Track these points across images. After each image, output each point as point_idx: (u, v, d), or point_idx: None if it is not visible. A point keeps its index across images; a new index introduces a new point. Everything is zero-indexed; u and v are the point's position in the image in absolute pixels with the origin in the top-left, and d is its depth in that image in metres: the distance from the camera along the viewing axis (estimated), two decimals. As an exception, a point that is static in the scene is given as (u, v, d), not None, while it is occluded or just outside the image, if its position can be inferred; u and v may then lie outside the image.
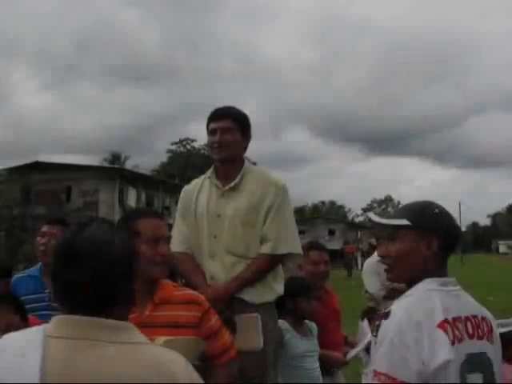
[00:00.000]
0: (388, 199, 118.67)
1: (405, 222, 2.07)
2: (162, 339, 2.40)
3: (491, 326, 2.05)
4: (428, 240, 2.04)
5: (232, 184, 3.39)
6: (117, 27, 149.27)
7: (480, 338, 1.97)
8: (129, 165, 49.24)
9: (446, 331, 1.87)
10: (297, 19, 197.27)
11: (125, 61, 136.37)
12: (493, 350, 2.01)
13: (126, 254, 1.57)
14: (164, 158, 62.07)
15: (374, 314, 3.36)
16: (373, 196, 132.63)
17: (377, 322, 1.96)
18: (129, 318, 2.40)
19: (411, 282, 2.05)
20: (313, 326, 4.02)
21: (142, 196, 35.36)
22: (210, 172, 3.52)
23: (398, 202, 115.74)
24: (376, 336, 1.93)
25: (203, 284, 3.27)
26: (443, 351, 1.83)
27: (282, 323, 3.79)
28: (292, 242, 3.39)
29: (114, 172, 34.81)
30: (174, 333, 2.49)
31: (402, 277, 2.12)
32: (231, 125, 3.39)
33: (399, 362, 1.80)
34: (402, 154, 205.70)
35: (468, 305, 2.05)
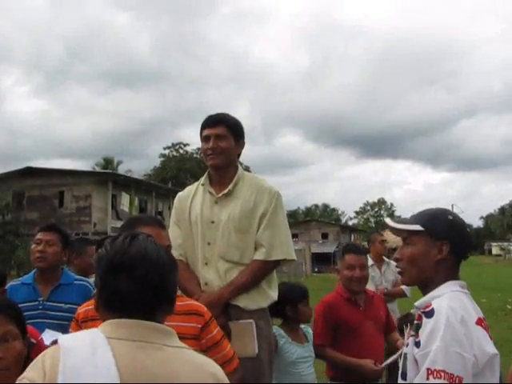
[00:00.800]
0: (381, 202, 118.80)
1: (418, 227, 2.16)
2: None
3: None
4: (439, 245, 2.11)
5: (226, 191, 3.40)
6: (108, 32, 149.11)
7: (491, 337, 2.03)
8: (122, 170, 49.13)
9: (484, 327, 1.96)
10: (288, 23, 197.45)
11: (117, 66, 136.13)
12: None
13: (170, 266, 1.68)
14: (157, 162, 62.03)
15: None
16: (366, 199, 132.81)
17: (416, 322, 1.98)
18: None
19: (423, 286, 2.14)
20: (308, 331, 4.03)
21: (135, 201, 35.28)
22: (203, 179, 3.53)
23: (391, 205, 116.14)
24: (414, 335, 1.95)
25: (197, 291, 3.28)
26: (489, 345, 1.91)
27: (277, 329, 3.82)
28: (286, 248, 3.40)
29: (107, 177, 34.69)
30: None
31: (414, 279, 2.20)
32: (225, 131, 3.40)
33: (455, 358, 1.82)
34: (394, 157, 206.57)
35: (477, 307, 2.11)
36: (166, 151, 61.10)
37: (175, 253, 3.41)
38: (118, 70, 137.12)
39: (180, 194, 3.67)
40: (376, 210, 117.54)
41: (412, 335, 1.97)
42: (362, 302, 3.99)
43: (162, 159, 60.81)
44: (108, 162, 51.44)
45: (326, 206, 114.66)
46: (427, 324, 1.90)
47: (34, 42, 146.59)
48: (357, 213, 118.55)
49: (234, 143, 3.45)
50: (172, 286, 1.69)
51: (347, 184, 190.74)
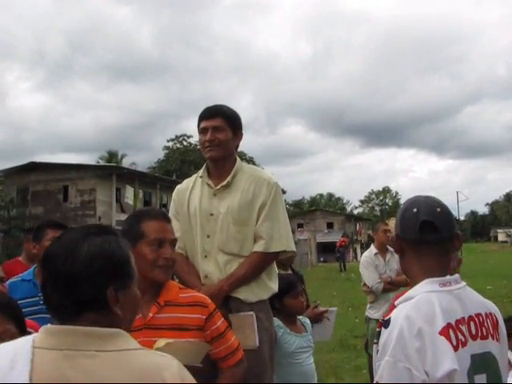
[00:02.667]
0: (386, 190, 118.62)
1: None
2: (162, 342, 2.41)
3: (497, 321, 1.99)
4: (396, 239, 2.08)
5: (224, 183, 3.38)
6: (110, 25, 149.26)
7: (484, 337, 1.90)
8: (126, 163, 49.07)
9: (448, 338, 1.79)
10: (290, 13, 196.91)
11: (119, 59, 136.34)
12: (498, 347, 1.95)
13: (94, 257, 1.51)
14: (161, 155, 61.96)
15: None
16: (371, 188, 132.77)
17: (377, 329, 1.89)
18: None
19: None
20: (306, 321, 4.02)
21: (139, 194, 35.28)
22: (201, 171, 3.52)
23: (396, 193, 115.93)
24: (376, 343, 1.87)
25: (197, 283, 3.27)
26: (447, 360, 1.75)
27: (275, 320, 3.76)
28: (285, 240, 3.38)
29: (111, 170, 34.62)
30: (177, 335, 2.48)
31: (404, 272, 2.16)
32: (222, 123, 3.38)
33: (402, 374, 1.72)
34: (399, 146, 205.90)
35: (471, 303, 1.95)
36: (170, 143, 61.04)
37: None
38: (120, 64, 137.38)
39: (178, 186, 3.65)
40: (381, 198, 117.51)
41: (375, 343, 1.89)
42: None
43: (166, 151, 60.75)
44: (112, 156, 51.38)
45: (330, 196, 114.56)
46: (383, 335, 1.83)
47: (37, 37, 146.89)
48: (362, 202, 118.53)
49: (232, 135, 3.42)
50: (99, 281, 1.50)
51: (352, 173, 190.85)
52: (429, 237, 1.96)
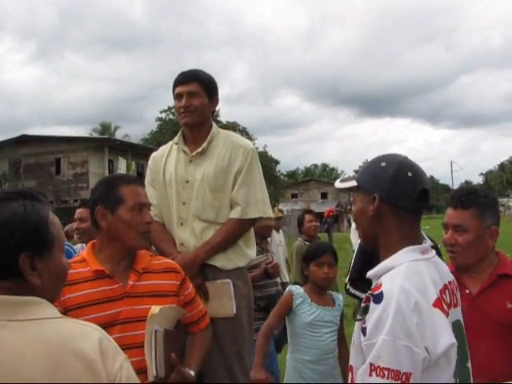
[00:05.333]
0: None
1: (353, 183, 1.92)
2: (157, 307, 2.42)
3: (456, 286, 1.93)
4: (371, 199, 1.83)
5: (200, 149, 3.32)
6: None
7: (455, 305, 1.83)
8: (119, 135, 48.83)
9: (442, 309, 1.68)
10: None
11: (112, 30, 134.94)
12: (460, 311, 1.89)
13: (3, 222, 1.44)
14: (154, 126, 61.63)
15: None
16: (365, 158, 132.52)
17: (363, 304, 1.70)
18: (111, 289, 2.42)
19: (380, 251, 1.86)
20: (338, 297, 3.83)
21: (132, 165, 35.16)
22: (177, 137, 3.45)
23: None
24: (360, 320, 1.69)
25: (173, 251, 3.23)
26: (445, 334, 1.64)
27: (296, 288, 3.73)
28: (262, 206, 3.33)
29: (103, 142, 34.50)
30: (157, 302, 2.48)
31: (364, 243, 2.00)
32: (197, 89, 3.31)
33: (403, 353, 1.56)
34: (393, 116, 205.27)
35: (444, 271, 1.87)
36: (163, 115, 60.68)
37: (151, 213, 3.37)
38: (113, 35, 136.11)
39: (154, 153, 3.59)
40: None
41: (358, 319, 1.71)
42: None
43: (159, 123, 60.43)
44: (105, 128, 51.08)
45: (325, 166, 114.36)
46: (375, 310, 1.63)
47: (28, 9, 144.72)
48: (356, 172, 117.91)
49: (208, 100, 3.35)
50: (12, 249, 1.43)
51: (346, 143, 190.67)
52: (421, 206, 1.83)
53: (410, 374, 1.56)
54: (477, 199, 2.56)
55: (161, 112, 61.17)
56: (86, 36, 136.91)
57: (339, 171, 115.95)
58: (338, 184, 2.06)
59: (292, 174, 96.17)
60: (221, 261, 3.23)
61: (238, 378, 3.20)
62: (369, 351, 1.62)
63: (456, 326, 1.78)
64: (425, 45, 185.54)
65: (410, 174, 1.80)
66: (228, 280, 3.22)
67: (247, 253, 3.36)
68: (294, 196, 63.36)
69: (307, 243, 5.80)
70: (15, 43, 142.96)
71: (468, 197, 2.57)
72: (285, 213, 36.80)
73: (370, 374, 1.59)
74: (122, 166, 34.04)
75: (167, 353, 2.40)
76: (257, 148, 49.91)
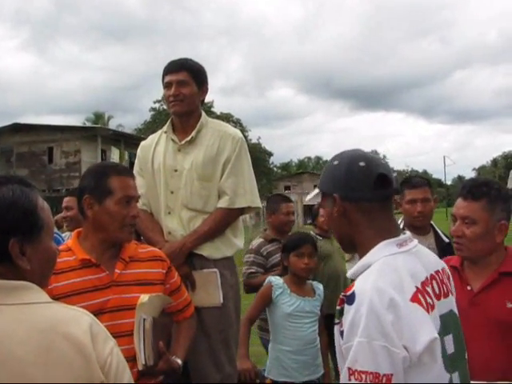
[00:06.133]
0: (374, 154, 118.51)
1: (317, 189, 1.91)
2: (146, 296, 2.42)
3: (448, 274, 1.86)
4: (333, 200, 1.77)
5: (188, 138, 3.31)
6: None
7: (446, 295, 1.75)
8: (113, 124, 48.67)
9: (420, 303, 1.59)
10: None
11: (106, 19, 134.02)
12: (454, 301, 1.82)
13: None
14: (148, 116, 61.40)
15: None
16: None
17: (338, 307, 1.64)
18: (98, 278, 2.42)
19: (356, 251, 1.82)
20: (319, 287, 3.83)
21: (124, 155, 35.06)
22: (166, 126, 3.44)
23: (384, 157, 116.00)
24: (338, 324, 1.63)
25: (161, 240, 3.23)
26: (425, 329, 1.55)
27: (276, 279, 3.73)
28: (250, 196, 3.33)
29: (96, 132, 34.34)
30: (145, 290, 2.48)
31: (345, 247, 1.91)
32: (187, 77, 3.30)
33: (380, 354, 1.49)
34: (388, 109, 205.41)
35: (429, 261, 1.79)
36: (157, 105, 60.48)
37: (138, 203, 3.36)
38: (108, 24, 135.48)
39: (143, 142, 3.59)
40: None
41: (336, 322, 1.64)
42: None
43: (153, 113, 60.24)
44: (98, 118, 50.91)
45: (318, 159, 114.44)
46: (348, 312, 1.57)
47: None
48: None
49: (197, 89, 3.34)
50: (1, 234, 1.43)
51: (340, 136, 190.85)
52: (382, 192, 1.73)
53: (391, 374, 1.49)
54: (489, 191, 2.48)
55: (154, 102, 60.94)
56: (80, 24, 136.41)
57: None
58: (315, 193, 2.02)
59: (285, 167, 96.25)
60: (208, 250, 3.23)
61: (224, 366, 3.21)
62: (347, 355, 1.56)
63: (448, 318, 1.71)
64: (420, 39, 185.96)
65: (362, 164, 1.73)
66: (215, 269, 3.22)
67: (235, 243, 3.36)
68: (287, 188, 63.31)
69: (320, 238, 5.74)
70: (8, 30, 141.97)
71: (480, 188, 2.50)
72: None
73: (349, 379, 1.53)
74: (114, 156, 33.94)
75: (155, 341, 2.41)
76: (250, 140, 49.98)
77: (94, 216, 2.49)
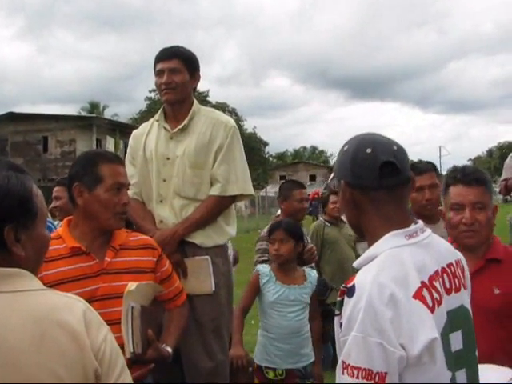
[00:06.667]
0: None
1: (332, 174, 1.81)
2: (134, 284, 2.41)
3: (463, 267, 1.78)
4: (341, 186, 1.72)
5: (181, 126, 3.30)
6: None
7: (457, 289, 1.68)
8: (108, 114, 48.54)
9: (424, 300, 1.52)
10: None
11: (102, 7, 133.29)
12: (467, 296, 1.75)
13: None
14: (143, 105, 61.20)
15: None
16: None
17: (339, 298, 1.59)
18: (88, 266, 2.41)
19: (366, 239, 1.74)
20: (310, 273, 3.76)
21: (120, 144, 34.95)
22: (158, 114, 3.43)
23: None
24: (339, 315, 1.57)
25: (152, 229, 3.22)
26: (425, 329, 1.48)
27: (263, 267, 3.72)
28: (242, 183, 3.32)
29: (91, 121, 34.25)
30: (135, 278, 2.47)
31: (357, 234, 1.83)
32: (179, 65, 3.28)
33: (375, 351, 1.44)
34: (383, 99, 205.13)
35: (441, 253, 1.70)
36: (152, 94, 60.28)
37: (129, 192, 3.35)
38: (103, 13, 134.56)
39: (135, 131, 3.58)
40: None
41: (336, 314, 1.59)
42: None
43: (148, 102, 60.06)
44: (94, 107, 50.74)
45: (314, 148, 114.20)
46: (347, 304, 1.52)
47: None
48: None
49: (189, 77, 3.33)
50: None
51: (336, 126, 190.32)
52: (389, 181, 1.64)
53: (385, 373, 1.43)
54: (484, 176, 2.50)
55: (150, 91, 60.76)
56: (75, 13, 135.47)
57: (328, 154, 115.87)
58: (330, 178, 1.93)
59: (281, 156, 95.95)
60: (200, 238, 3.23)
61: (216, 354, 3.22)
62: (341, 348, 1.52)
63: (457, 313, 1.65)
64: (416, 29, 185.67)
65: (368, 150, 1.66)
66: (207, 257, 3.22)
67: (227, 230, 3.36)
68: (283, 178, 63.17)
69: (328, 224, 5.69)
70: (2, 19, 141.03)
71: (478, 174, 2.50)
72: (273, 194, 36.84)
73: (343, 373, 1.49)
74: (109, 146, 33.83)
75: (144, 329, 2.40)
76: (246, 129, 49.84)
77: (85, 204, 2.48)
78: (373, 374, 1.43)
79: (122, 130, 35.50)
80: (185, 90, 3.32)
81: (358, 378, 1.44)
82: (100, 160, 2.52)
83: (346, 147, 1.73)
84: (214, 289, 3.21)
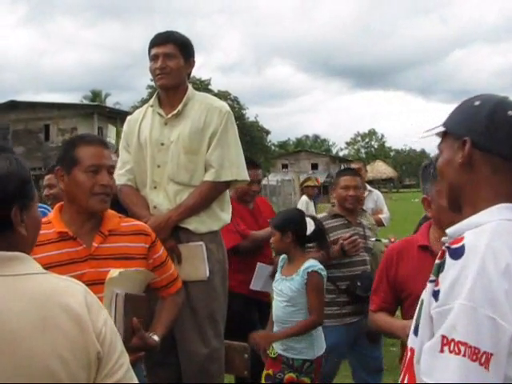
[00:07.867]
0: (372, 133, 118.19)
1: (440, 128, 1.59)
2: (116, 271, 2.37)
3: None
4: (461, 144, 1.49)
5: (175, 111, 3.28)
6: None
7: None
8: (110, 102, 48.48)
9: None
10: None
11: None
12: None
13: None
14: (145, 94, 61.14)
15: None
16: (357, 129, 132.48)
17: (437, 261, 1.38)
18: (75, 251, 2.39)
19: (459, 209, 1.54)
20: (305, 264, 3.62)
21: (121, 133, 34.89)
22: (152, 100, 3.41)
23: (382, 136, 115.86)
24: (434, 281, 1.36)
25: (146, 214, 3.20)
26: None
27: (283, 257, 3.76)
28: (236, 169, 3.30)
29: (93, 109, 34.24)
30: (123, 264, 2.44)
31: (447, 202, 1.60)
32: (173, 50, 3.26)
33: (486, 326, 1.22)
34: (386, 88, 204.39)
35: None
36: (153, 83, 60.28)
37: (122, 178, 3.34)
38: (105, 1, 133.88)
39: (129, 117, 3.56)
40: (367, 140, 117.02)
41: (431, 280, 1.37)
42: None
43: (150, 91, 60.00)
44: (96, 95, 50.71)
45: (316, 137, 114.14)
46: (452, 267, 1.30)
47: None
48: (347, 143, 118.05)
49: (184, 62, 3.31)
50: (5, 202, 1.43)
51: (338, 115, 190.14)
52: None
53: (491, 355, 1.21)
54: None
55: (151, 80, 60.76)
56: (78, 1, 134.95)
57: (330, 142, 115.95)
58: (422, 134, 1.69)
59: (283, 145, 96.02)
60: (194, 224, 3.21)
61: (210, 340, 3.22)
62: (441, 320, 1.28)
63: None
64: (420, 17, 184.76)
65: (510, 113, 1.45)
66: (201, 243, 3.20)
67: (221, 217, 3.34)
68: (285, 166, 63.42)
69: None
70: (4, 6, 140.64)
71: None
72: (274, 183, 36.83)
73: (442, 350, 1.25)
74: (111, 134, 33.83)
75: (128, 317, 2.35)
76: (248, 118, 49.71)
77: (65, 187, 2.46)
78: (480, 353, 1.22)
79: (124, 119, 35.11)
80: (179, 76, 3.30)
81: (464, 355, 1.22)
82: (78, 143, 2.49)
83: (476, 102, 1.51)
84: (208, 275, 3.20)
